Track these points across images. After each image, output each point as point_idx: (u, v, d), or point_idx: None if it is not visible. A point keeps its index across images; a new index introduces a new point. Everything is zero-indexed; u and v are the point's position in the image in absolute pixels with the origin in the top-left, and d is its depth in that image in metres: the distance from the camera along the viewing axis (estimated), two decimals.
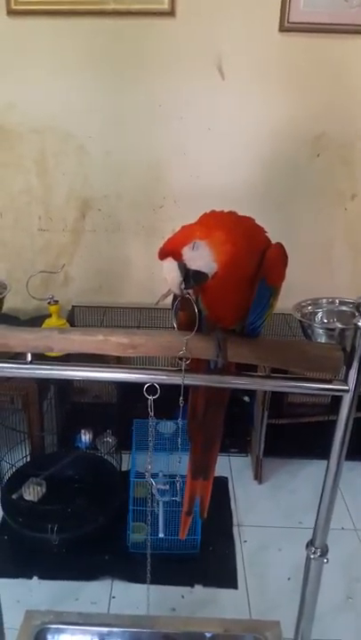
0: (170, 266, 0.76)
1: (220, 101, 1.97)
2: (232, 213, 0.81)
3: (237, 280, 0.79)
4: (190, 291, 0.78)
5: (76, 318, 2.19)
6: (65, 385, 2.17)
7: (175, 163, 2.06)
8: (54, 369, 0.87)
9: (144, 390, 0.87)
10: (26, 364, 0.86)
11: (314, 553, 1.03)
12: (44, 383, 1.94)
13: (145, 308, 2.17)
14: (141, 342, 0.84)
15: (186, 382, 0.85)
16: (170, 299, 0.85)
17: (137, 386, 0.88)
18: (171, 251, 0.76)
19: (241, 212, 0.83)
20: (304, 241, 2.11)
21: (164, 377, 0.87)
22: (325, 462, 0.95)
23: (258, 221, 0.84)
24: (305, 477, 1.99)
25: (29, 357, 0.86)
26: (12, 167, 2.09)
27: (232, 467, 2.06)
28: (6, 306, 1.86)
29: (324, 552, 1.03)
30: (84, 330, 0.86)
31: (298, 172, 2.06)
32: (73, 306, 2.22)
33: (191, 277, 0.76)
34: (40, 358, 0.88)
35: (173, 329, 0.83)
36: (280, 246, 0.80)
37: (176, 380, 0.85)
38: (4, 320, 1.92)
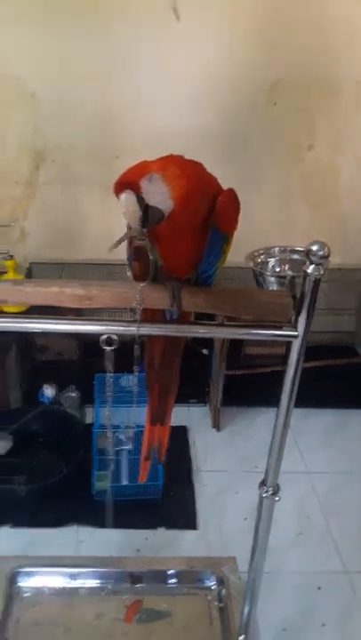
0: (129, 198, 0.73)
1: (174, 44, 1.90)
2: (181, 156, 0.80)
3: (191, 223, 0.78)
4: (145, 235, 0.76)
5: (34, 275, 2.14)
6: (27, 343, 2.15)
7: (130, 109, 1.99)
8: (12, 321, 0.87)
9: (100, 341, 0.88)
10: None
11: (266, 492, 1.09)
12: (4, 340, 1.92)
13: (104, 264, 2.14)
14: (97, 293, 0.84)
15: (140, 332, 0.86)
16: (124, 248, 0.84)
17: (98, 342, 0.88)
18: (128, 183, 0.73)
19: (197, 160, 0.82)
20: (260, 191, 2.11)
21: (120, 327, 0.87)
22: None
23: (214, 171, 0.83)
24: (261, 425, 2.07)
25: None
26: None
27: (191, 416, 2.13)
28: None
29: (276, 491, 1.09)
30: (39, 281, 0.86)
31: (254, 121, 2.04)
32: (30, 263, 2.18)
33: (150, 215, 0.73)
34: None
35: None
36: (232, 191, 0.79)
37: (131, 330, 0.86)
38: None
